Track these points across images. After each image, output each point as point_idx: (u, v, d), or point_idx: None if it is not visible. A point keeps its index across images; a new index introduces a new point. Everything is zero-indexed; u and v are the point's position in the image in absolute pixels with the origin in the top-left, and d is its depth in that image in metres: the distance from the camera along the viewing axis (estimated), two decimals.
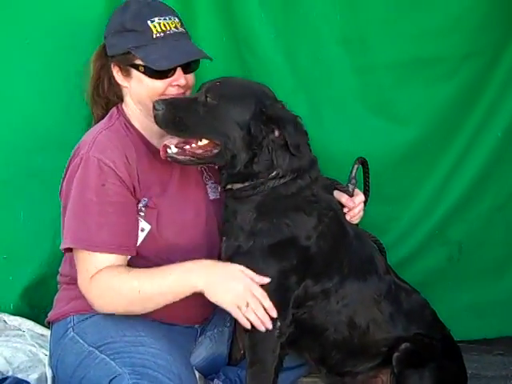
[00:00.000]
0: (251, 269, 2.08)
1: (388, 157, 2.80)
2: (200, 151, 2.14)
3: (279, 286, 2.12)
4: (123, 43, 2.16)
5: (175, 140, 2.16)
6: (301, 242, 2.14)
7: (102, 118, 2.28)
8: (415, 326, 2.26)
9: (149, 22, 2.14)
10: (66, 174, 2.19)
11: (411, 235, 2.90)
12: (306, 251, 2.15)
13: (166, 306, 2.16)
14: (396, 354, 2.21)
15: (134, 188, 2.15)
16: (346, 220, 2.28)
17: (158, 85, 2.16)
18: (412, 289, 2.34)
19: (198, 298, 2.27)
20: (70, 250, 2.17)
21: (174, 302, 2.15)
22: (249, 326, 2.07)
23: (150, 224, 2.18)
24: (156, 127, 2.18)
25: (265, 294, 2.06)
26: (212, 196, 2.36)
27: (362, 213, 2.34)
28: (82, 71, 2.33)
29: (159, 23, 2.15)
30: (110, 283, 2.09)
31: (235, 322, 2.44)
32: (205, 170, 2.38)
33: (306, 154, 2.16)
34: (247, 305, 2.04)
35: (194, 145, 2.15)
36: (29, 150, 2.60)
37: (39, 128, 2.55)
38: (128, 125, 2.24)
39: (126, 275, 2.10)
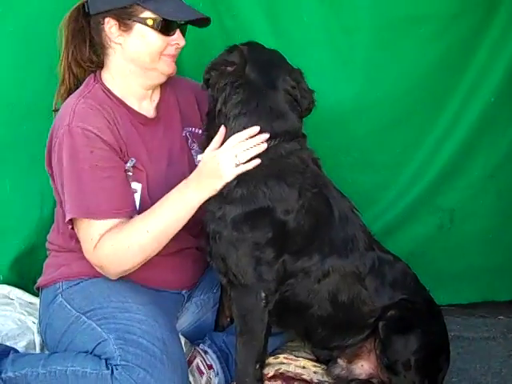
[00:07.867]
0: (223, 238, 2.08)
1: (377, 123, 2.75)
2: None
3: (254, 257, 2.08)
4: None
5: None
6: (277, 215, 2.09)
7: (76, 87, 2.25)
8: (399, 292, 2.25)
9: None
10: (51, 146, 2.17)
11: (401, 203, 2.85)
12: (282, 225, 2.10)
13: (154, 271, 2.18)
14: (382, 323, 2.20)
15: (120, 150, 2.16)
16: (335, 198, 2.20)
17: (160, 42, 2.16)
18: (394, 258, 2.31)
19: (186, 261, 2.33)
20: (71, 222, 2.14)
21: (161, 266, 2.19)
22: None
23: (140, 183, 2.19)
24: (139, 90, 2.23)
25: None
26: (198, 159, 2.34)
27: None
28: None
29: None
30: (115, 241, 2.08)
31: (222, 288, 2.46)
32: (190, 135, 2.38)
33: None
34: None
35: None
36: (12, 119, 2.58)
37: (22, 96, 2.53)
38: (105, 90, 2.22)
39: (127, 226, 2.10)
